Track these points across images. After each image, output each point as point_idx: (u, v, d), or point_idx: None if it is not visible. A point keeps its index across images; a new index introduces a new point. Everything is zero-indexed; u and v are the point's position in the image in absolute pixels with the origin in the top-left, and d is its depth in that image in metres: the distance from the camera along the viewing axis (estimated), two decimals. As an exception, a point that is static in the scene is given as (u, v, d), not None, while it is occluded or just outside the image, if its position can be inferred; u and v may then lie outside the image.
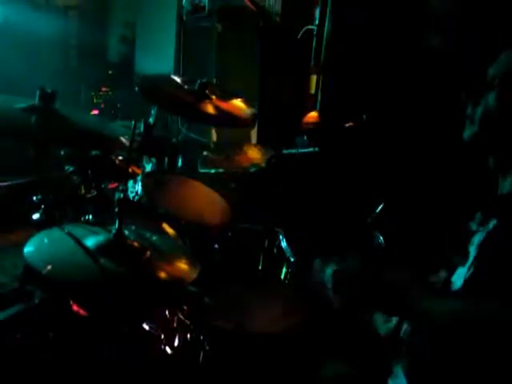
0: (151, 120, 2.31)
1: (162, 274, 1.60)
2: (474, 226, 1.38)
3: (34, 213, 2.03)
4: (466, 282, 1.32)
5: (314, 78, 3.28)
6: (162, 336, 1.81)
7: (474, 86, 1.40)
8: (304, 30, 3.28)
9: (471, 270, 1.32)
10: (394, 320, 1.49)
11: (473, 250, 1.34)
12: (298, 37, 3.31)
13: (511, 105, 1.33)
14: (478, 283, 1.29)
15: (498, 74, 1.37)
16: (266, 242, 2.27)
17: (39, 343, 1.70)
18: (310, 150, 2.53)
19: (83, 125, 1.97)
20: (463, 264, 1.36)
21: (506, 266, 1.22)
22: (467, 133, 1.43)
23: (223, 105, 2.27)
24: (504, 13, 2.46)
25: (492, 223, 1.31)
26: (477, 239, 1.34)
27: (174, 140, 2.70)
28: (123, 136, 1.95)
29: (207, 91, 2.24)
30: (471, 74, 1.47)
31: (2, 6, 4.26)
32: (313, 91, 3.28)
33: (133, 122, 1.72)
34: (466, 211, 1.46)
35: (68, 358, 1.70)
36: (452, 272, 1.42)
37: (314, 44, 3.19)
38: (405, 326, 1.44)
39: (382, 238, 2.11)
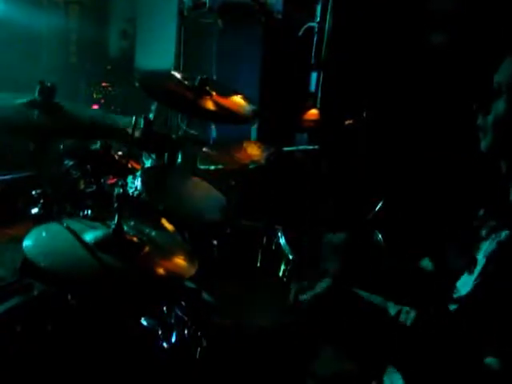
0: (151, 116, 2.31)
1: (161, 270, 1.59)
2: (483, 232, 1.36)
3: (33, 207, 2.03)
4: (472, 291, 1.32)
5: (314, 75, 3.29)
6: (160, 332, 1.81)
7: (482, 94, 1.39)
8: (305, 27, 3.28)
9: (478, 281, 1.31)
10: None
11: (481, 259, 1.33)
12: (299, 34, 3.30)
13: None
14: (484, 295, 1.29)
15: (504, 81, 1.35)
16: (265, 239, 2.27)
17: (38, 335, 1.70)
18: (310, 147, 2.53)
19: (84, 118, 1.97)
20: (470, 271, 1.35)
21: None
22: (483, 144, 1.40)
23: (223, 101, 2.27)
24: (507, 12, 2.46)
25: (504, 233, 1.30)
26: (485, 247, 1.33)
27: (173, 136, 2.69)
28: (124, 126, 1.95)
29: (207, 87, 2.24)
30: (478, 80, 1.45)
31: (2, 0, 4.24)
32: (313, 88, 3.29)
33: (133, 118, 1.72)
34: (468, 211, 1.46)
35: (66, 350, 1.70)
36: (456, 277, 1.41)
37: (314, 41, 3.19)
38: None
39: (381, 236, 2.11)
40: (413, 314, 1.39)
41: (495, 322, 1.23)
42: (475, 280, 1.32)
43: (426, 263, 1.69)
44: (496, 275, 1.27)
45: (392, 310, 1.45)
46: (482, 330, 1.24)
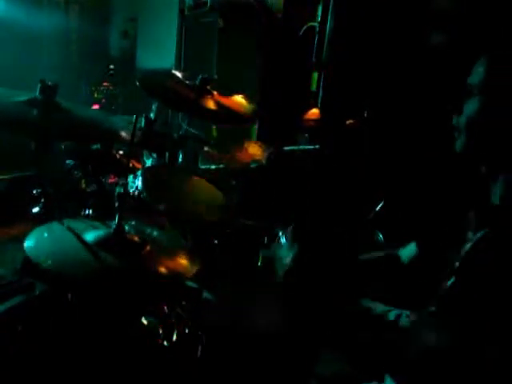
0: (152, 115, 2.31)
1: (162, 269, 1.60)
2: (470, 235, 1.37)
3: (33, 206, 2.03)
4: (446, 291, 1.32)
5: (315, 74, 3.29)
6: (161, 331, 1.81)
7: (456, 94, 1.41)
8: (306, 27, 3.28)
9: (451, 280, 1.31)
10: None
11: (458, 259, 1.33)
12: (300, 34, 3.30)
13: (492, 112, 1.33)
14: (455, 295, 1.29)
15: (475, 82, 1.37)
16: (266, 239, 2.27)
17: (39, 335, 1.70)
18: (311, 147, 2.53)
19: (85, 118, 1.97)
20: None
21: (487, 279, 1.22)
22: (458, 144, 1.42)
23: (224, 101, 2.27)
24: (506, 13, 2.46)
25: (481, 233, 1.30)
26: (466, 248, 1.33)
27: (174, 135, 2.69)
28: (123, 129, 1.95)
29: (208, 87, 2.23)
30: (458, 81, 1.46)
31: (3, 0, 4.25)
32: (314, 88, 3.29)
33: (134, 117, 1.71)
34: (464, 212, 1.46)
35: (67, 350, 1.70)
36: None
37: (315, 41, 3.19)
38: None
39: (381, 236, 2.11)
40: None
41: (474, 321, 1.23)
42: (451, 278, 1.32)
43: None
44: (470, 274, 1.28)
45: (392, 314, 1.46)
46: (464, 328, 1.25)
